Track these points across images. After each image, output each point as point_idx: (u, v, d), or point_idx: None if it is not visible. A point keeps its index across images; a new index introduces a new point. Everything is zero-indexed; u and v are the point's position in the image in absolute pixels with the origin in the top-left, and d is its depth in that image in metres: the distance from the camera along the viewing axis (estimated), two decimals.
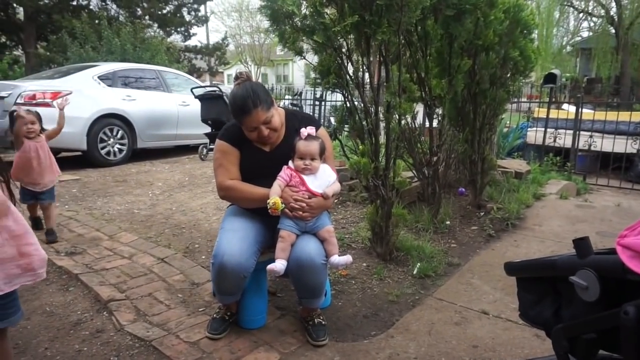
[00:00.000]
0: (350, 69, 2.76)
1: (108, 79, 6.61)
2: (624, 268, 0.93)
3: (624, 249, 0.94)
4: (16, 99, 5.58)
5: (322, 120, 8.28)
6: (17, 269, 1.36)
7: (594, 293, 1.01)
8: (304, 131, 2.04)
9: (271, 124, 2.04)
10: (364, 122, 2.81)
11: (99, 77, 6.51)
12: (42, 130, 3.35)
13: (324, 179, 2.04)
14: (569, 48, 22.06)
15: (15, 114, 3.29)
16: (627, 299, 0.93)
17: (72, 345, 2.04)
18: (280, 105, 2.31)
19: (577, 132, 6.49)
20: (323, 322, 2.16)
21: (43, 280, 2.68)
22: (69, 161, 6.50)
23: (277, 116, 2.08)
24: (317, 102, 8.71)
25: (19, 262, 1.36)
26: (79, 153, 6.29)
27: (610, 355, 1.27)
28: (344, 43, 2.65)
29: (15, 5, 14.32)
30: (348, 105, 2.87)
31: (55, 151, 6.63)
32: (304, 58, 2.92)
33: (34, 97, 5.66)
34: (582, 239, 1.07)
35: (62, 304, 2.42)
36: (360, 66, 2.73)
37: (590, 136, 6.28)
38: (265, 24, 2.69)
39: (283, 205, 1.91)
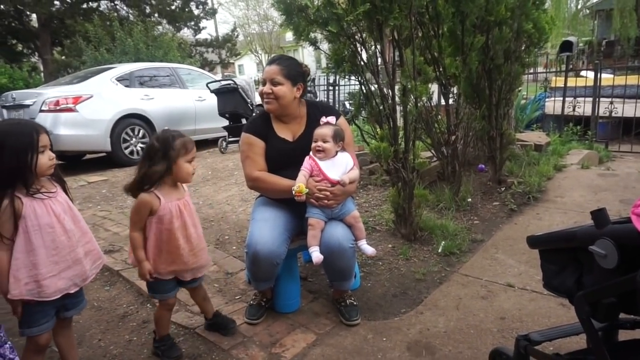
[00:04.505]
0: (365, 56, 2.81)
1: (126, 80, 6.77)
2: (639, 235, 0.99)
3: (638, 218, 1.00)
4: (41, 106, 5.79)
5: (337, 105, 8.32)
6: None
7: (613, 260, 1.08)
8: (323, 119, 2.14)
9: (275, 87, 2.14)
10: (381, 107, 2.86)
11: (116, 79, 6.66)
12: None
13: (342, 166, 2.12)
14: (585, 11, 21.32)
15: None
16: None
17: (122, 336, 2.20)
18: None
19: (597, 99, 6.38)
20: (355, 303, 2.27)
21: None
22: (95, 163, 6.73)
23: (288, 90, 2.16)
24: (330, 88, 8.73)
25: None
26: (104, 154, 6.50)
27: (635, 319, 1.34)
28: (357, 31, 2.70)
29: (28, 12, 14.60)
30: (364, 91, 2.93)
31: (80, 154, 6.95)
32: (318, 48, 2.98)
33: (57, 103, 5.85)
34: (599, 210, 1.14)
35: (108, 299, 2.59)
36: (374, 52, 2.78)
37: (611, 102, 6.17)
38: (273, 12, 2.77)
39: (307, 190, 2.00)
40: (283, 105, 2.19)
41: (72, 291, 1.65)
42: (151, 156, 1.80)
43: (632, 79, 6.73)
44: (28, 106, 5.92)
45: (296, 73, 2.19)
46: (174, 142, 1.81)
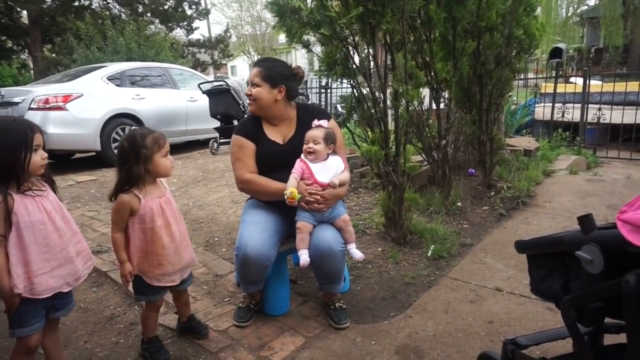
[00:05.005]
0: (357, 59, 2.82)
1: (117, 79, 6.71)
2: (624, 241, 1.00)
3: (623, 224, 1.01)
4: (30, 104, 5.72)
5: (329, 108, 8.34)
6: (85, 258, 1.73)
7: (599, 265, 1.09)
8: (316, 122, 2.14)
9: (254, 89, 2.17)
10: (373, 111, 2.87)
11: (107, 78, 6.60)
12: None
13: (333, 169, 2.12)
14: (575, 18, 21.59)
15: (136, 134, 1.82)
16: (628, 270, 1.01)
17: (109, 338, 2.18)
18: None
19: (586, 106, 6.47)
20: (344, 306, 2.27)
21: None
22: (84, 162, 6.66)
23: (265, 92, 2.17)
24: (322, 90, 8.75)
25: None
26: (93, 154, 6.44)
27: (620, 323, 1.36)
28: (350, 34, 2.71)
29: (18, 9, 14.44)
30: (356, 94, 2.94)
31: (69, 153, 6.88)
32: (311, 50, 2.98)
33: (47, 101, 5.78)
34: (585, 216, 1.15)
35: (95, 300, 2.56)
36: (367, 56, 2.79)
37: (599, 109, 6.25)
38: (267, 14, 2.78)
39: (300, 195, 1.99)
40: (262, 107, 2.20)
41: (64, 290, 1.64)
42: (125, 159, 1.78)
43: (620, 86, 6.83)
44: (17, 104, 5.84)
45: (277, 75, 2.18)
46: (145, 141, 1.78)
